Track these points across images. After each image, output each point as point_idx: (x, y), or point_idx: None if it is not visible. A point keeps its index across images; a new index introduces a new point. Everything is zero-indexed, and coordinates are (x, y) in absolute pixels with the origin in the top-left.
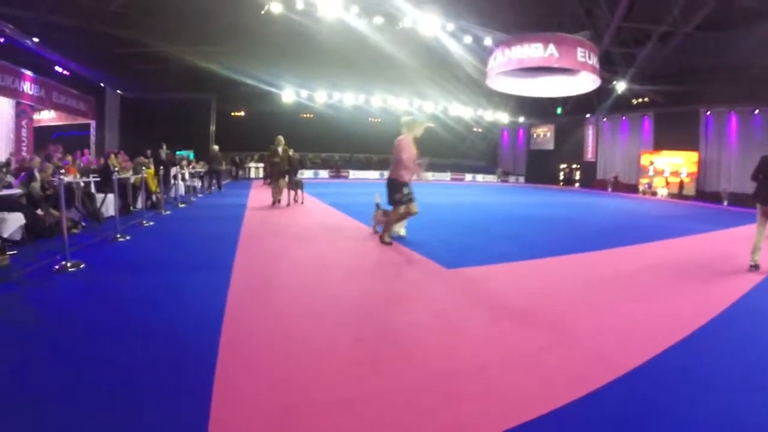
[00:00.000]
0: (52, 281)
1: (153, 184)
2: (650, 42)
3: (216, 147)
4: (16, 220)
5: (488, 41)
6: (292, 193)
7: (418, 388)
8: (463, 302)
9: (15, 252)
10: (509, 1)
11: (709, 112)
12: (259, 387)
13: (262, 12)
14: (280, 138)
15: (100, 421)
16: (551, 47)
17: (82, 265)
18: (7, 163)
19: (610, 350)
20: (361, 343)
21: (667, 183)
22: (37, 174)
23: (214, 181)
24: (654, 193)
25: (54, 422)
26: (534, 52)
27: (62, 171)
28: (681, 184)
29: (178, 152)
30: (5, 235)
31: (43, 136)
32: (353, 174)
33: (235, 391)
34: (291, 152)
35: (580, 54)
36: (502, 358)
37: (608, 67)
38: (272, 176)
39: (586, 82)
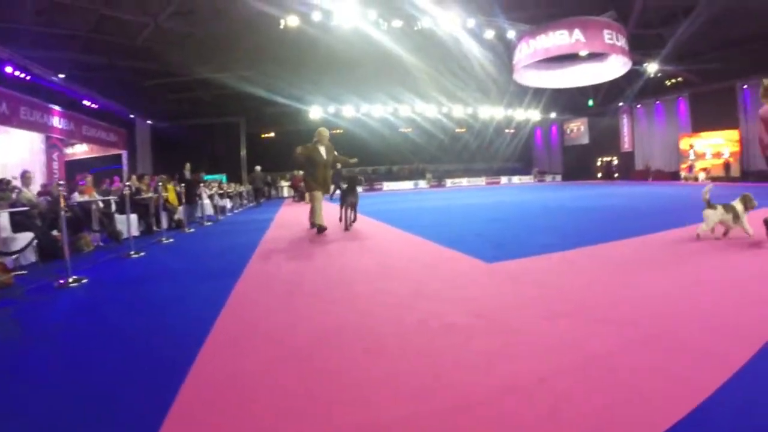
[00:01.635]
0: (50, 296)
1: (174, 201)
2: (677, 20)
3: (258, 168)
4: (26, 240)
5: (511, 34)
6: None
7: (458, 409)
8: (508, 298)
9: (25, 272)
10: None
11: (746, 86)
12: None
13: (280, 26)
14: (323, 131)
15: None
16: (577, 32)
17: (84, 281)
18: (8, 182)
19: (705, 344)
20: (376, 356)
21: (705, 169)
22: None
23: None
24: (696, 179)
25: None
26: (559, 39)
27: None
28: (726, 165)
29: (209, 176)
30: (16, 256)
31: (77, 170)
32: (387, 186)
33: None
34: (339, 163)
35: (608, 36)
36: (567, 365)
37: (637, 50)
38: (308, 187)
39: (616, 66)
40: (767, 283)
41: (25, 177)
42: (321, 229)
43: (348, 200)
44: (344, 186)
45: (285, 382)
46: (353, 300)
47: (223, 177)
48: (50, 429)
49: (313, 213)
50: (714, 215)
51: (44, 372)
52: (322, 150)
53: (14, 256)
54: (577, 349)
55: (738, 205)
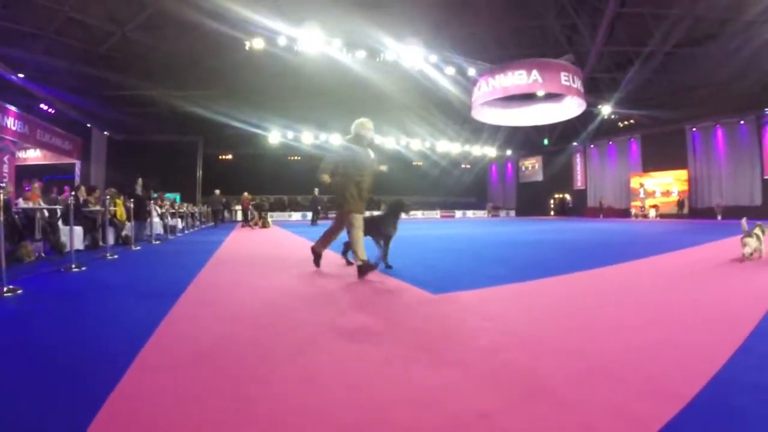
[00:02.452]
0: None
1: (122, 216)
2: (632, 65)
3: (218, 191)
4: None
5: (472, 72)
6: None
7: None
8: (452, 330)
9: None
10: (490, 37)
11: (695, 128)
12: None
13: (246, 47)
14: (367, 123)
15: None
16: (535, 73)
17: (19, 291)
18: None
19: (654, 376)
20: (310, 386)
21: (655, 206)
22: None
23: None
24: (645, 216)
25: None
26: (518, 79)
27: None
28: (680, 202)
29: (166, 195)
30: None
31: (27, 176)
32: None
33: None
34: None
35: (564, 78)
36: (512, 399)
37: (592, 93)
38: (345, 204)
39: (571, 107)
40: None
41: None
42: (367, 269)
43: (386, 231)
44: (383, 212)
45: (211, 410)
46: (293, 330)
47: (177, 196)
48: None
49: (354, 245)
50: (753, 242)
51: None
52: (369, 151)
53: None
54: (522, 383)
55: (759, 232)
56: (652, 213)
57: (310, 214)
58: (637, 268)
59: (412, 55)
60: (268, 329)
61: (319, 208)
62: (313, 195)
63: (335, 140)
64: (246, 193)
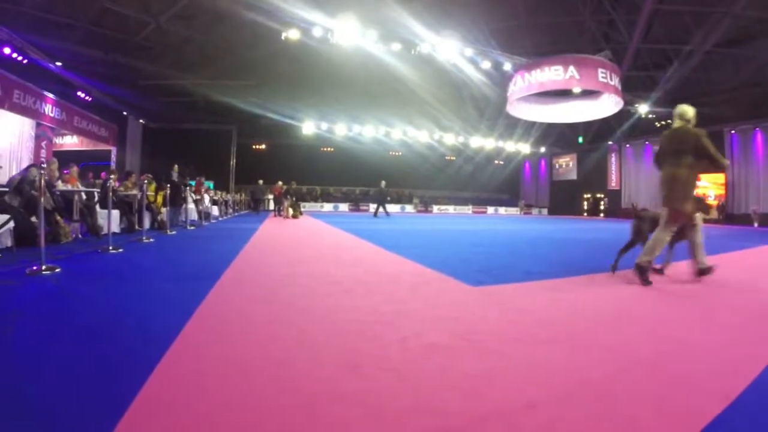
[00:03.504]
0: (18, 282)
1: (158, 202)
2: (670, 63)
3: (261, 181)
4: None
5: (507, 66)
6: None
7: None
8: (492, 322)
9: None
10: (526, 32)
11: (733, 131)
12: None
13: (282, 38)
14: (689, 110)
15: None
16: (571, 69)
17: (57, 270)
18: None
19: (701, 367)
20: (353, 373)
21: None
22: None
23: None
24: None
25: None
26: (554, 75)
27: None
28: (720, 207)
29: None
30: None
31: (66, 161)
32: (373, 207)
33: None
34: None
35: (602, 75)
36: (556, 390)
37: (629, 91)
38: (682, 204)
39: (608, 105)
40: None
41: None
42: (706, 271)
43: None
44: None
45: (253, 393)
46: (330, 314)
47: (211, 184)
48: None
49: (696, 248)
50: None
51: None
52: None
53: None
54: (566, 375)
55: None
56: None
57: (345, 206)
58: (675, 269)
59: (448, 49)
60: (306, 314)
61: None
62: (379, 188)
63: (368, 132)
64: (280, 183)
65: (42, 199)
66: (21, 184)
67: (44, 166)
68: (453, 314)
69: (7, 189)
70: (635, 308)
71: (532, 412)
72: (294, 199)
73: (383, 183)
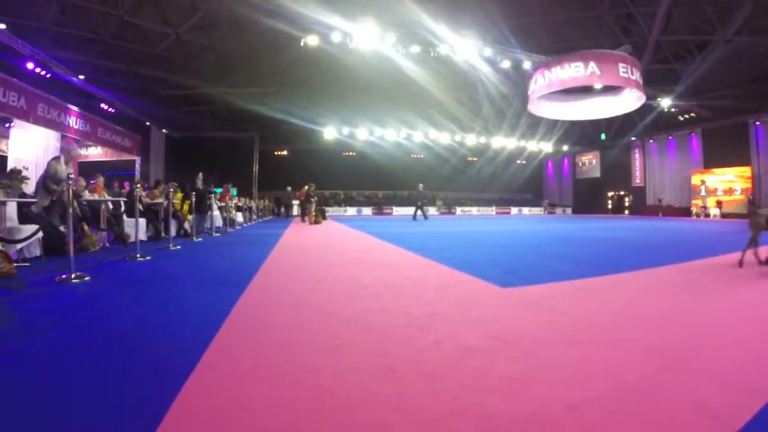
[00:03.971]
0: (49, 290)
1: (184, 209)
2: (691, 55)
3: (289, 188)
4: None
5: (527, 65)
6: None
7: None
8: (525, 323)
9: (28, 264)
10: (543, 28)
11: (758, 122)
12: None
13: (301, 45)
14: None
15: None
16: (592, 65)
17: (87, 278)
18: (18, 171)
19: (737, 366)
20: (388, 375)
21: (719, 203)
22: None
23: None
24: (707, 215)
25: None
26: (575, 71)
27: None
28: (749, 201)
29: (219, 189)
30: (20, 247)
31: (91, 172)
32: (396, 210)
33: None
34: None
35: (623, 70)
36: (596, 392)
37: (650, 85)
38: None
39: (630, 100)
40: None
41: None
42: None
43: None
44: None
45: (288, 396)
46: (363, 317)
47: (234, 191)
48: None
49: None
50: None
51: (27, 364)
52: None
53: (18, 247)
54: (604, 376)
55: None
56: (715, 212)
57: (368, 209)
58: (708, 264)
59: (467, 49)
60: (337, 318)
61: (420, 203)
62: (417, 190)
63: (389, 135)
64: (306, 186)
65: (70, 207)
66: (45, 181)
67: (66, 153)
68: (485, 316)
69: (35, 198)
70: (671, 307)
71: (574, 413)
72: (316, 201)
73: (421, 186)
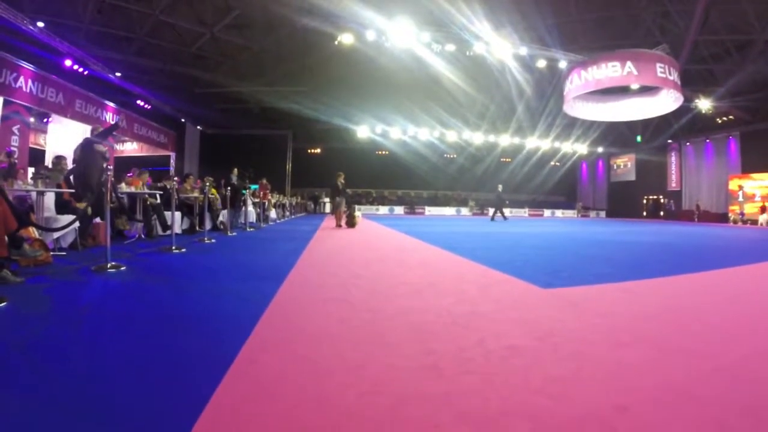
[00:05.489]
0: (85, 279)
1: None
2: (729, 55)
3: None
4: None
5: (562, 65)
6: None
7: None
8: (570, 324)
9: (64, 254)
10: (579, 28)
11: None
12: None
13: (335, 43)
14: None
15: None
16: (629, 65)
17: (122, 267)
18: (59, 158)
19: None
20: (433, 374)
21: (763, 207)
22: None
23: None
24: (745, 222)
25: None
26: (612, 71)
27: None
28: None
29: (255, 186)
30: (56, 237)
31: (127, 166)
32: (429, 210)
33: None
34: None
35: (660, 70)
36: (648, 394)
37: (688, 86)
38: None
39: (668, 101)
40: None
41: None
42: None
43: None
44: None
45: (334, 390)
46: (403, 315)
47: (253, 186)
48: (62, 411)
49: None
50: None
51: (63, 352)
52: None
53: (55, 236)
54: (653, 378)
55: None
56: (762, 218)
57: (400, 209)
58: (753, 271)
59: (502, 48)
60: (378, 314)
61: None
62: (497, 192)
63: (423, 135)
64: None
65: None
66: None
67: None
68: (528, 316)
69: (74, 191)
70: (716, 312)
71: (626, 416)
72: (349, 195)
73: (500, 187)
